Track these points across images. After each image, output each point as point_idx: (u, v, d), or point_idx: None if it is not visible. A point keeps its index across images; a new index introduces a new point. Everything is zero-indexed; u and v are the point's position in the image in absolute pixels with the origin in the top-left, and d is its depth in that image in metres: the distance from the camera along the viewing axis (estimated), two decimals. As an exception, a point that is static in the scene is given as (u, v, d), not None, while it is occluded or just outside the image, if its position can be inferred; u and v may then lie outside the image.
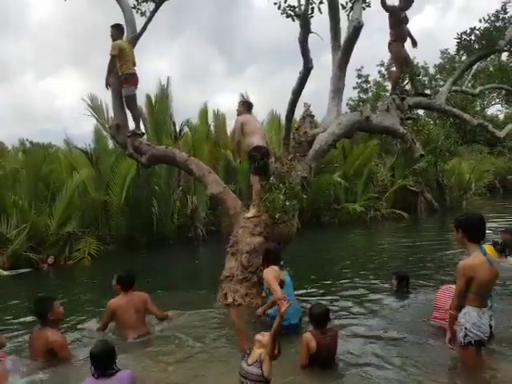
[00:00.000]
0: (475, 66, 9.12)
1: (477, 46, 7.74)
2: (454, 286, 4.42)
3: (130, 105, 6.68)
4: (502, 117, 29.09)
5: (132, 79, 6.50)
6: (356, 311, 5.40)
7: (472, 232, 3.29)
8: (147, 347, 4.41)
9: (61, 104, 63.55)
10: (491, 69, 11.10)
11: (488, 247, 7.42)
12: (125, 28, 6.70)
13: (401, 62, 7.57)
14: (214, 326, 4.98)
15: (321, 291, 6.46)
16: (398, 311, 5.28)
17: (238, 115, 6.20)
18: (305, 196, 5.85)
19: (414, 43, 7.49)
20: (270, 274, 4.54)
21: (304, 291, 6.33)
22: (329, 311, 3.84)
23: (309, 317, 3.86)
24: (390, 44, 7.47)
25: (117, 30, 6.54)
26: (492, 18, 7.62)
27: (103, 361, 3.07)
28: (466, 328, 3.18)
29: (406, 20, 7.34)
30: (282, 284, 4.49)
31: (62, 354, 4.02)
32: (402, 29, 7.34)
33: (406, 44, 7.46)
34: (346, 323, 4.87)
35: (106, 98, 12.70)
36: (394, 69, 8.18)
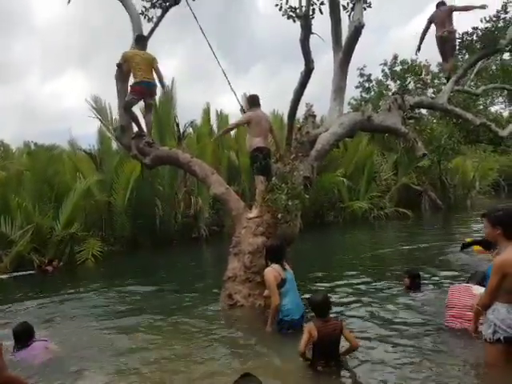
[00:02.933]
0: (477, 65, 9.12)
1: (478, 46, 7.76)
2: (465, 285, 4.48)
3: (127, 110, 6.73)
4: (506, 114, 28.92)
5: (134, 88, 6.51)
6: (368, 310, 5.35)
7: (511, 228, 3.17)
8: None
9: (66, 105, 63.81)
10: (493, 67, 11.09)
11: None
12: (135, 34, 6.83)
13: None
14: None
15: (332, 293, 6.24)
16: (413, 309, 5.24)
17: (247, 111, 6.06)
18: (307, 196, 5.86)
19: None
20: (270, 274, 4.57)
21: (313, 289, 6.37)
22: (329, 298, 3.83)
23: (309, 305, 3.85)
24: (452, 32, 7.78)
25: (134, 41, 6.70)
26: (493, 18, 7.64)
27: (22, 337, 4.03)
28: (495, 324, 3.10)
29: None
30: (282, 283, 4.54)
31: None
32: None
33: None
34: (354, 320, 4.88)
35: (110, 99, 12.79)
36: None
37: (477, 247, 8.12)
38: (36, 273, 10.13)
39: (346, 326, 3.80)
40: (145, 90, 6.56)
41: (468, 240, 8.68)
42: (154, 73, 6.53)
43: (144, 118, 6.94)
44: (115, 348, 4.47)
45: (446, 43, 7.94)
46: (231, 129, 5.85)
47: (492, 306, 3.16)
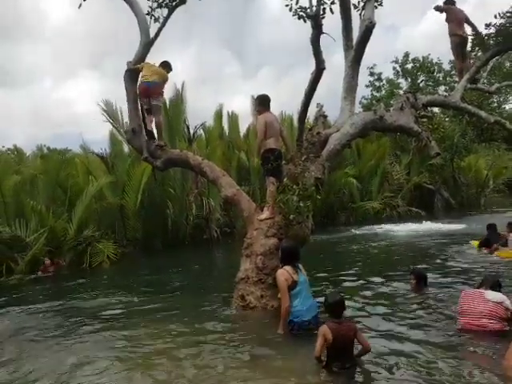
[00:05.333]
0: (491, 63, 8.97)
1: (492, 42, 7.63)
2: (478, 290, 4.41)
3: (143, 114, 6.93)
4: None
5: (139, 89, 6.77)
6: (376, 311, 5.30)
7: None
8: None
9: (78, 109, 64.63)
10: (507, 64, 10.91)
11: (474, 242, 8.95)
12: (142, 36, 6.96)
13: None
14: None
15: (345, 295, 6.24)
16: (419, 310, 5.17)
17: (258, 114, 5.99)
18: (319, 197, 5.82)
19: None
20: (281, 276, 4.57)
21: (322, 289, 6.32)
22: (343, 300, 3.82)
23: (324, 306, 3.84)
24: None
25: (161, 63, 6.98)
26: (508, 14, 7.49)
27: None
28: None
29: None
30: (293, 285, 4.53)
31: None
32: None
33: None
34: (366, 322, 4.81)
35: (121, 102, 12.85)
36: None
37: (476, 243, 8.89)
38: (41, 275, 10.10)
39: (358, 328, 3.76)
40: (144, 90, 6.69)
41: (474, 243, 9.03)
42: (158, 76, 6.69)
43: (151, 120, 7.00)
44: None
45: (464, 45, 8.06)
46: (261, 141, 5.78)
47: None
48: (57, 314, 6.43)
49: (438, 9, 8.18)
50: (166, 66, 6.93)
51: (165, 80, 6.86)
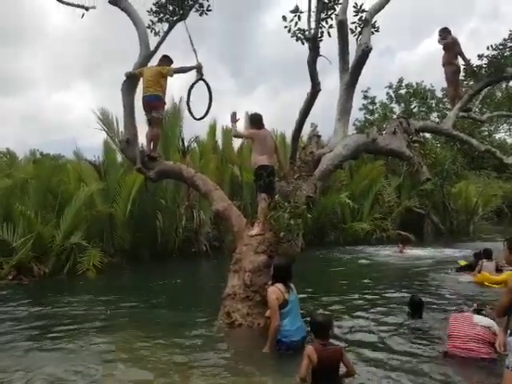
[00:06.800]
0: (483, 92, 9.20)
1: (484, 72, 7.85)
2: (466, 314, 4.44)
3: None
4: (510, 141, 29.06)
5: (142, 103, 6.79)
6: (360, 335, 5.25)
7: None
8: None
9: (73, 116, 64.37)
10: (499, 94, 11.20)
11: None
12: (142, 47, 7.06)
13: None
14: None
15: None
16: (415, 336, 5.13)
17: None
18: (310, 216, 5.84)
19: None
20: (273, 293, 4.52)
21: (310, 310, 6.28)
22: (331, 320, 3.76)
23: (310, 326, 3.78)
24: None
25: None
26: (500, 47, 7.75)
27: None
28: None
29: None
30: (284, 304, 4.49)
31: None
32: None
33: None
34: (350, 347, 4.73)
35: (117, 112, 12.87)
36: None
37: (464, 263, 9.26)
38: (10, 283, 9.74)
39: (345, 351, 3.72)
40: (145, 104, 6.73)
41: (461, 263, 9.30)
42: (161, 84, 6.61)
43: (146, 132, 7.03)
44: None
45: (458, 73, 8.30)
46: (237, 135, 6.22)
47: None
48: (26, 320, 6.37)
49: (445, 44, 8.29)
50: (166, 60, 6.83)
51: (167, 74, 6.65)
